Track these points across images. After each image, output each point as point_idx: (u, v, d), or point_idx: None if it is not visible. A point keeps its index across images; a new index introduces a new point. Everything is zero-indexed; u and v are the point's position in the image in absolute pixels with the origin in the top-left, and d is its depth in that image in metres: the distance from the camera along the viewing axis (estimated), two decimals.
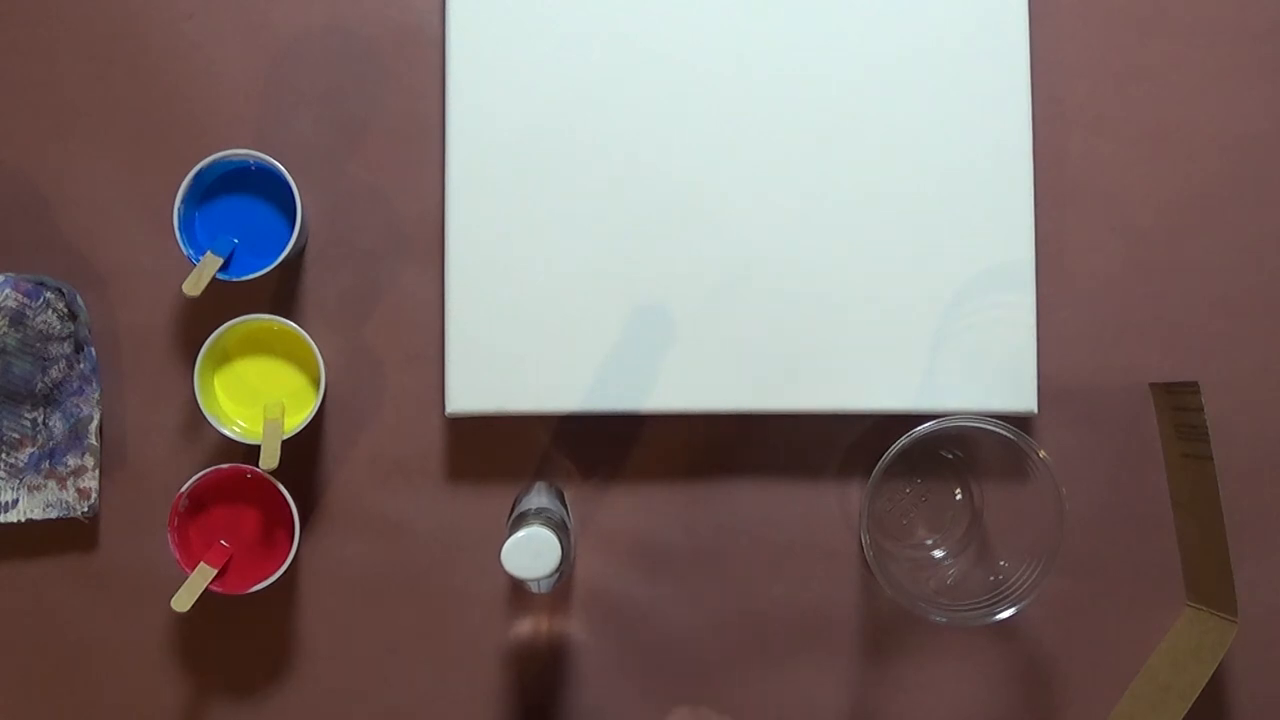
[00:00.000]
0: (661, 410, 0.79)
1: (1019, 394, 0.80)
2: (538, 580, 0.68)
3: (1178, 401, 0.80)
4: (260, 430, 0.76)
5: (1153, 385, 0.83)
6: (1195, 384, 0.77)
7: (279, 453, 0.74)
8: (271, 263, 0.76)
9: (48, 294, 0.78)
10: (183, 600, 0.74)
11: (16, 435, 0.79)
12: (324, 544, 0.82)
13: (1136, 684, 0.82)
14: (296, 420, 0.77)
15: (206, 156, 0.76)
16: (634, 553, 0.82)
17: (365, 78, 0.83)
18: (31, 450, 0.79)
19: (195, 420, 0.81)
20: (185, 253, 0.76)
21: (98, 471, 0.81)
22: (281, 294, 0.82)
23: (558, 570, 0.68)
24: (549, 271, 0.79)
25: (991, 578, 0.78)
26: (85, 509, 0.80)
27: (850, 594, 0.82)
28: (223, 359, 0.79)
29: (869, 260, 0.80)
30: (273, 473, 0.75)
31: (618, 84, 0.80)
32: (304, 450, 0.82)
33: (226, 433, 0.76)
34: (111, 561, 0.81)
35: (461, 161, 0.79)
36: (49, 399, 0.80)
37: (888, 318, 0.79)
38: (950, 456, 0.83)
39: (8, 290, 0.77)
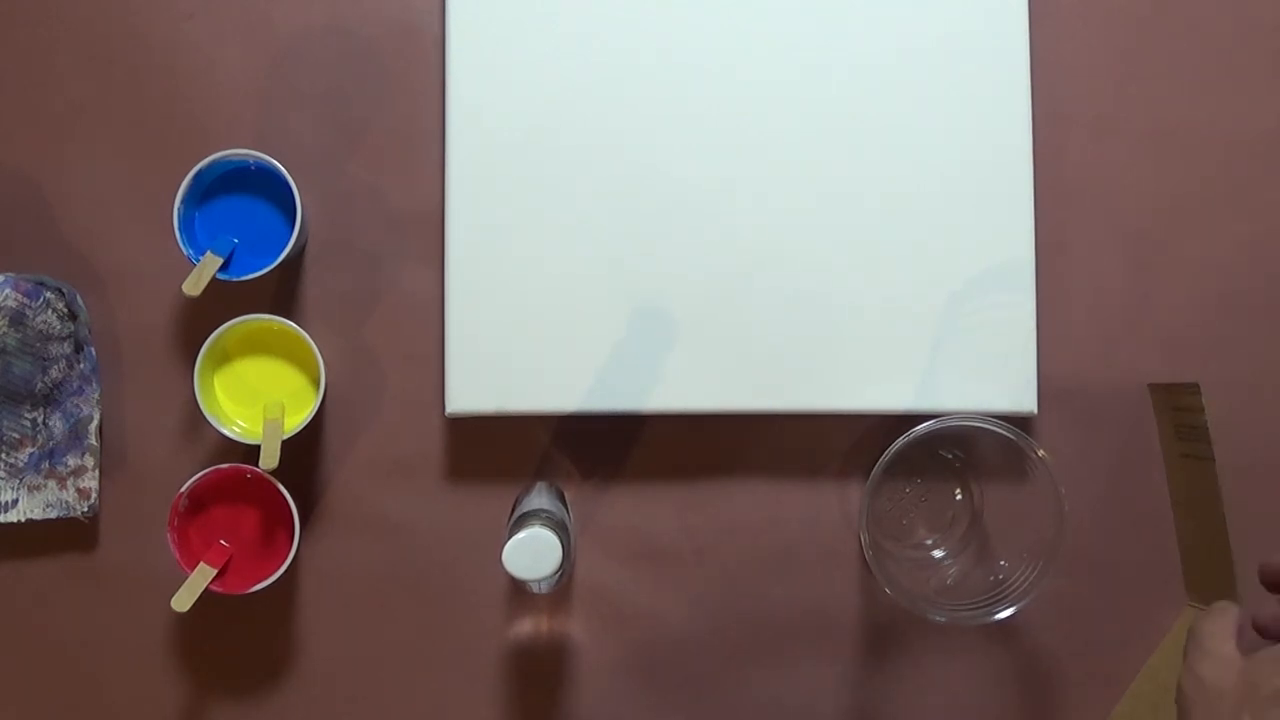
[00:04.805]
0: (661, 410, 0.79)
1: (1019, 394, 0.80)
2: (539, 581, 0.68)
3: (1178, 401, 0.80)
4: (260, 430, 0.76)
5: (1152, 385, 0.83)
6: (1195, 384, 0.77)
7: (279, 453, 0.74)
8: (271, 263, 0.76)
9: (48, 294, 0.78)
10: (183, 600, 0.74)
11: (16, 435, 0.79)
12: (324, 544, 0.82)
13: (1136, 684, 0.82)
14: (296, 420, 0.77)
15: (206, 156, 0.76)
16: (634, 553, 0.82)
17: (365, 78, 0.83)
18: (31, 450, 0.79)
19: (195, 420, 0.81)
20: (185, 253, 0.76)
21: (98, 471, 0.81)
22: (281, 294, 0.82)
23: (559, 571, 0.68)
24: (549, 271, 0.79)
25: (991, 578, 0.78)
26: (85, 509, 0.80)
27: (850, 594, 0.82)
28: (223, 359, 0.79)
29: (869, 260, 0.80)
30: (273, 473, 0.75)
31: (618, 84, 0.80)
32: (304, 450, 0.82)
33: (226, 433, 0.76)
34: (111, 561, 0.81)
35: (461, 161, 0.79)
36: (49, 399, 0.80)
37: (887, 318, 0.79)
38: (950, 456, 0.83)
39: (8, 290, 0.77)
